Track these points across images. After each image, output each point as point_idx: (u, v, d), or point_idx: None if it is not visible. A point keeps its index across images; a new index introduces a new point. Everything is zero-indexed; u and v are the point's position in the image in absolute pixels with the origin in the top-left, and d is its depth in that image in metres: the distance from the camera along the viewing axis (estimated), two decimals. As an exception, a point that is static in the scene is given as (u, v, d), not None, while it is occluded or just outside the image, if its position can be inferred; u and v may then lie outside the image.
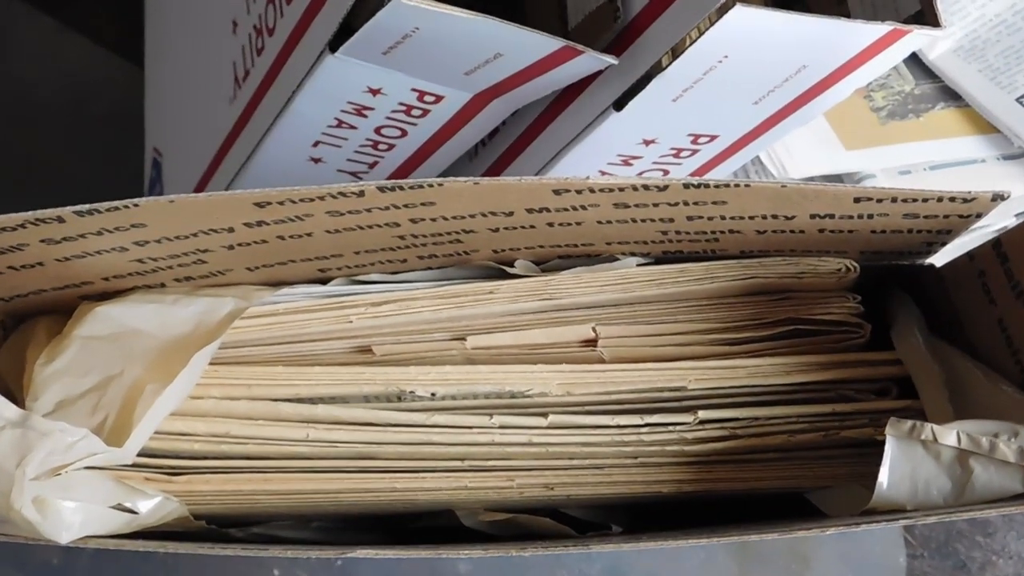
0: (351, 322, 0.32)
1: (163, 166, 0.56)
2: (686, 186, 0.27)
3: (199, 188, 0.48)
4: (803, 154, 0.43)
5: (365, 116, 0.37)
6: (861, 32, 0.30)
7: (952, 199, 0.29)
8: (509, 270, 0.33)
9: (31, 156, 0.65)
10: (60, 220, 0.26)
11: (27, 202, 0.63)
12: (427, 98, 0.36)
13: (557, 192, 0.27)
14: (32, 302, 0.32)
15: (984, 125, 0.45)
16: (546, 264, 0.33)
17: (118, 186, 0.62)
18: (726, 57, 0.30)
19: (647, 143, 0.36)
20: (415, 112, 0.37)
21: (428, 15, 0.30)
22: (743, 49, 0.30)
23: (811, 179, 0.43)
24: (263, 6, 0.39)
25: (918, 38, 0.30)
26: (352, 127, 0.38)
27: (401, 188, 0.27)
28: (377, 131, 0.38)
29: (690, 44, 0.30)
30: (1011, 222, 0.44)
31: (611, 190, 0.27)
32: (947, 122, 0.45)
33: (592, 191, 0.27)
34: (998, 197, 0.28)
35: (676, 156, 0.37)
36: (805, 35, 0.30)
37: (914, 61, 0.47)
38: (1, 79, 0.67)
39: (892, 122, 0.44)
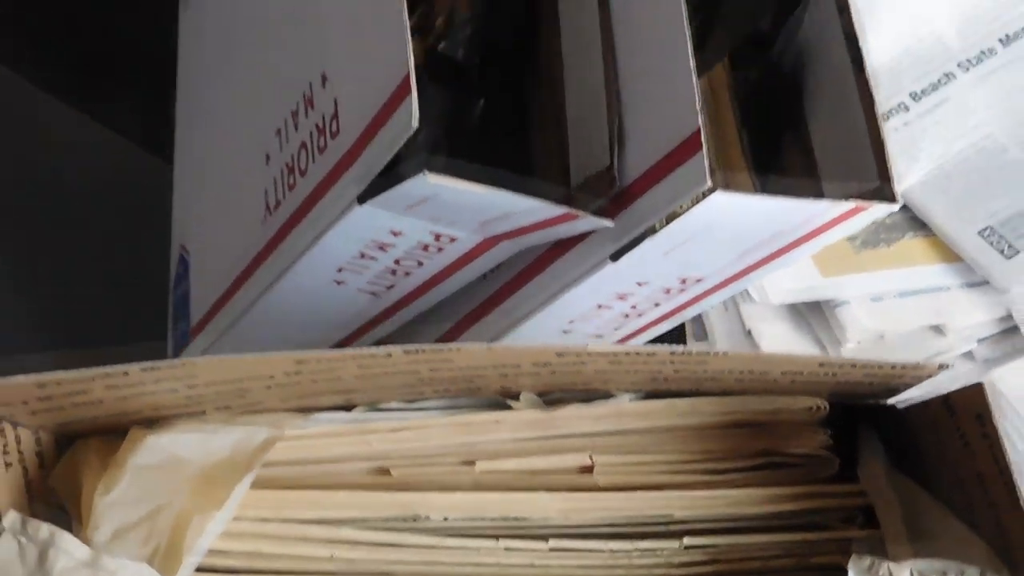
0: (371, 446, 0.36)
1: (191, 265, 0.60)
2: (672, 352, 0.31)
3: (226, 297, 0.51)
4: (783, 280, 0.47)
5: (386, 251, 0.41)
6: (826, 208, 0.34)
7: (904, 366, 0.33)
8: (514, 404, 0.37)
9: (61, 242, 0.69)
10: (125, 374, 0.30)
11: (56, 288, 0.67)
12: (442, 239, 0.40)
13: (560, 354, 0.31)
14: (86, 426, 0.36)
15: (950, 254, 0.49)
16: (548, 396, 0.37)
17: (143, 274, 0.66)
18: (710, 226, 0.35)
19: (640, 284, 0.40)
20: (431, 249, 0.41)
21: (446, 190, 0.34)
22: (725, 220, 0.34)
23: (789, 303, 0.47)
24: (296, 148, 0.43)
25: (876, 212, 0.34)
26: (374, 258, 0.42)
27: (424, 351, 0.30)
28: (396, 262, 0.42)
29: (679, 215, 0.34)
30: (974, 346, 0.48)
31: (606, 354, 0.31)
32: (916, 250, 0.49)
33: (589, 354, 0.31)
34: (943, 366, 0.32)
35: (666, 293, 0.41)
36: (777, 211, 0.34)
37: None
38: (33, 169, 0.72)
39: (865, 251, 0.49)
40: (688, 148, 0.33)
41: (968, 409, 0.31)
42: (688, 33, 0.34)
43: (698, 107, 0.33)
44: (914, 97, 0.52)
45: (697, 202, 0.33)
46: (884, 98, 0.51)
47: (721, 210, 0.33)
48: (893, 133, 0.51)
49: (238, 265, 0.50)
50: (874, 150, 0.35)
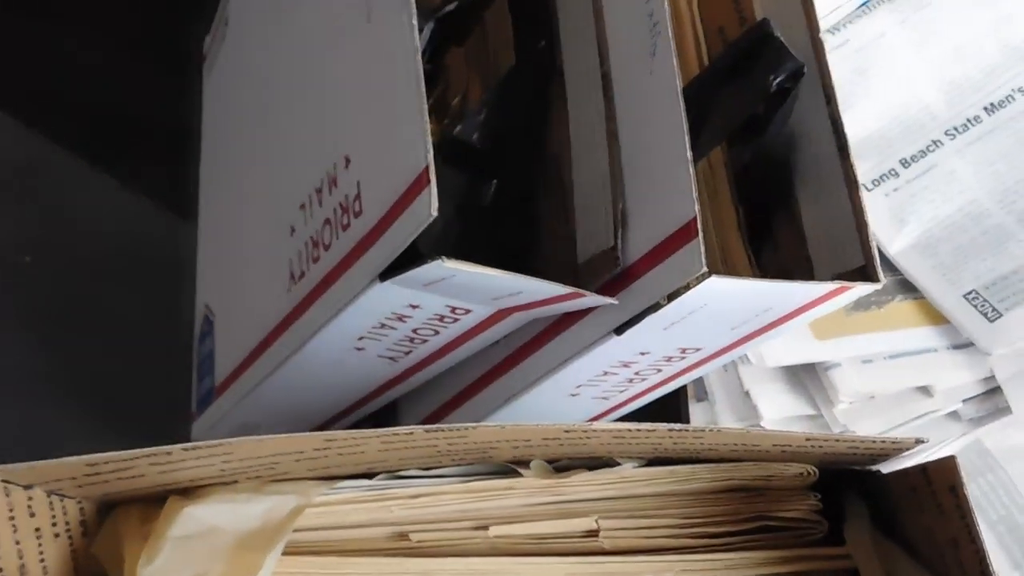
0: (391, 512, 0.39)
1: (215, 325, 0.62)
2: (670, 429, 0.34)
3: (251, 359, 0.54)
4: (778, 344, 0.49)
5: (404, 321, 0.44)
6: (812, 289, 0.37)
7: (883, 441, 0.35)
8: (525, 472, 0.39)
9: (88, 299, 0.72)
10: (168, 453, 0.33)
11: (83, 342, 0.69)
12: (457, 311, 0.43)
13: (567, 431, 0.34)
14: (127, 495, 0.39)
15: (937, 316, 0.51)
16: (557, 463, 0.40)
17: (169, 329, 0.68)
18: (707, 304, 0.37)
19: (643, 354, 0.42)
20: (447, 319, 0.43)
21: (462, 273, 0.36)
22: (720, 300, 0.37)
23: (783, 366, 0.50)
24: (320, 223, 0.46)
25: (860, 291, 0.37)
26: (393, 328, 0.44)
27: (443, 430, 0.33)
28: (414, 331, 0.45)
29: (677, 295, 0.36)
30: (959, 406, 0.50)
31: (609, 431, 0.34)
32: (904, 313, 0.52)
33: (595, 431, 0.34)
34: (920, 440, 0.35)
35: (667, 361, 0.43)
36: (767, 292, 0.37)
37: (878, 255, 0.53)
38: (60, 228, 0.74)
39: (857, 313, 0.51)
40: (685, 234, 0.36)
41: (942, 479, 0.34)
42: (685, 124, 0.36)
43: (694, 196, 0.35)
44: (904, 163, 0.55)
45: (694, 284, 0.35)
46: (875, 164, 0.55)
47: (715, 291, 0.36)
48: (883, 198, 0.54)
49: (263, 330, 0.53)
50: (858, 232, 0.38)
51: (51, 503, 0.36)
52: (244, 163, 0.62)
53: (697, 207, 0.35)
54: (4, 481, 0.33)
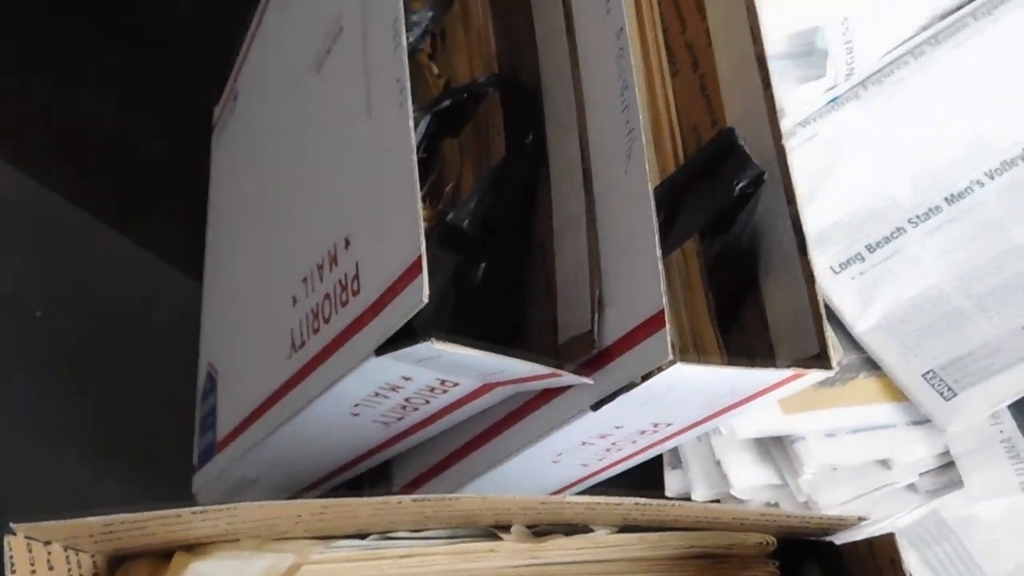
0: (383, 570, 0.42)
1: (218, 383, 0.66)
2: (636, 503, 0.37)
3: (252, 419, 0.57)
4: (748, 417, 0.53)
5: (397, 391, 0.47)
6: (771, 375, 0.40)
7: (829, 518, 0.38)
8: (506, 536, 0.42)
9: (98, 352, 0.76)
10: (179, 515, 0.36)
11: (92, 392, 0.73)
12: (447, 383, 0.46)
13: (543, 503, 0.37)
14: (137, 550, 0.42)
15: (897, 393, 0.55)
16: (536, 528, 0.43)
17: (174, 384, 0.72)
18: (674, 386, 0.41)
19: (618, 427, 0.46)
20: (437, 391, 0.47)
21: (451, 354, 0.40)
22: (687, 383, 0.40)
23: (752, 438, 0.53)
24: (321, 297, 0.49)
25: (815, 377, 0.41)
26: (387, 397, 0.48)
27: (429, 499, 0.36)
28: (406, 400, 0.48)
29: (648, 378, 0.40)
30: (916, 479, 0.53)
31: (583, 503, 0.37)
32: (868, 389, 0.55)
33: (569, 503, 0.37)
34: (862, 519, 0.38)
35: (641, 434, 0.47)
36: (730, 376, 0.40)
37: (844, 334, 0.57)
38: (73, 283, 0.78)
39: (823, 389, 0.54)
40: (655, 323, 0.39)
41: (884, 553, 0.37)
42: (655, 224, 0.40)
43: (663, 289, 0.39)
44: (870, 249, 0.58)
45: (662, 369, 0.39)
46: (844, 248, 0.58)
47: (682, 376, 0.39)
48: (850, 280, 0.58)
49: (263, 392, 0.56)
50: (815, 322, 0.42)
51: (67, 557, 0.39)
52: (249, 231, 0.66)
53: (665, 300, 0.39)
54: (27, 537, 0.36)
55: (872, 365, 0.56)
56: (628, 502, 0.37)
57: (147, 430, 0.73)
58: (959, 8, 0.60)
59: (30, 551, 0.37)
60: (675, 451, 0.54)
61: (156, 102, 0.83)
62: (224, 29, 0.73)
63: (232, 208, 0.71)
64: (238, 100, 0.72)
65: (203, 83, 0.78)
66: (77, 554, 0.40)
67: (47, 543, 0.37)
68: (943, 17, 0.60)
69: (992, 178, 0.58)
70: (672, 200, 0.43)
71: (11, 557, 0.36)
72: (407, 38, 0.45)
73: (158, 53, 0.83)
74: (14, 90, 0.82)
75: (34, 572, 0.37)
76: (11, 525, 0.35)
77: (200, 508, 0.36)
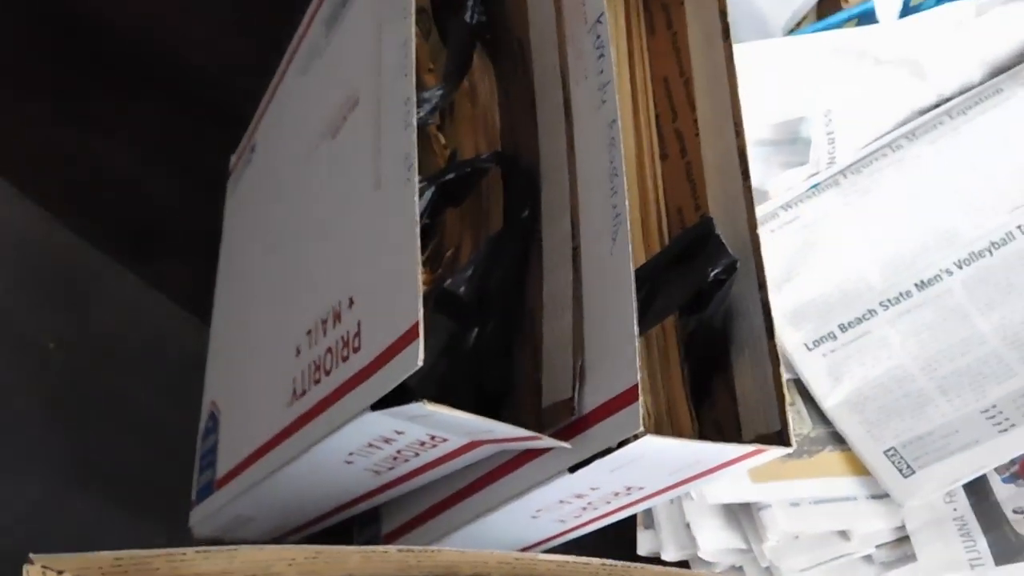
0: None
1: (220, 423, 0.69)
2: (603, 564, 0.40)
3: (250, 461, 0.61)
4: (718, 484, 0.56)
5: (390, 444, 0.50)
6: (735, 449, 0.44)
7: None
8: (482, 587, 0.46)
9: (108, 387, 0.79)
10: (184, 554, 0.39)
11: (103, 432, 0.76)
12: (436, 439, 0.49)
13: (517, 558, 0.40)
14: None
15: (860, 467, 0.58)
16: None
17: (181, 422, 0.75)
18: (645, 455, 0.44)
19: (593, 489, 0.49)
20: (427, 445, 0.50)
21: (440, 414, 0.43)
22: (656, 453, 0.44)
23: (721, 504, 0.56)
24: (323, 350, 0.53)
25: (775, 453, 0.44)
26: (379, 448, 0.51)
27: (413, 551, 0.40)
28: (398, 451, 0.51)
29: (621, 446, 0.43)
30: (873, 551, 0.57)
31: (554, 560, 0.40)
32: (832, 462, 0.58)
33: (540, 560, 0.40)
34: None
35: (615, 496, 0.50)
36: (695, 449, 0.44)
37: (814, 408, 0.60)
38: (86, 319, 0.81)
39: (790, 460, 0.58)
40: (629, 396, 0.43)
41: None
42: (634, 306, 0.43)
43: (637, 366, 0.42)
44: (841, 328, 0.62)
45: (634, 439, 0.42)
46: (817, 326, 0.62)
47: (652, 447, 0.43)
48: (822, 357, 0.61)
49: (263, 436, 0.59)
50: (778, 402, 0.45)
51: (77, 587, 0.42)
52: (258, 279, 0.69)
53: (639, 376, 0.42)
54: (43, 567, 0.40)
55: (838, 440, 0.59)
56: (595, 562, 0.40)
57: (151, 464, 0.76)
58: (936, 106, 0.64)
59: (44, 580, 0.40)
60: (648, 512, 0.58)
61: (172, 151, 0.87)
62: (240, 86, 0.77)
63: (243, 255, 0.74)
64: (255, 151, 0.76)
65: (217, 136, 0.82)
66: (85, 584, 0.43)
67: (60, 573, 0.41)
68: (921, 113, 0.65)
69: (960, 267, 0.62)
70: (652, 281, 0.47)
71: (27, 585, 0.39)
72: (418, 112, 0.49)
73: (177, 105, 0.87)
74: (43, 136, 0.86)
75: (46, 599, 0.40)
76: (30, 555, 0.38)
77: (204, 549, 0.39)
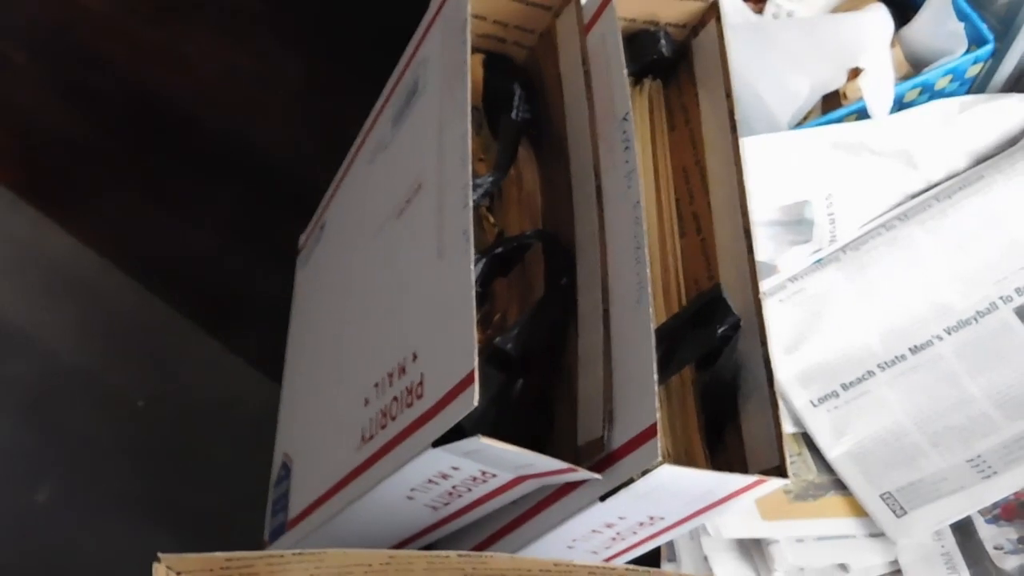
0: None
1: (292, 471, 0.78)
2: (627, 568, 0.48)
3: (321, 501, 0.69)
4: (731, 519, 0.64)
5: (446, 479, 0.58)
6: (740, 480, 0.51)
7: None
8: (526, 597, 0.53)
9: (191, 443, 0.88)
10: (282, 556, 0.48)
11: (184, 480, 0.85)
12: (487, 474, 0.57)
13: (556, 564, 0.48)
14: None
15: (859, 509, 0.65)
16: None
17: (254, 471, 0.83)
18: (664, 484, 0.52)
19: (621, 518, 0.57)
20: (478, 480, 0.58)
21: (491, 446, 0.52)
22: (673, 482, 0.52)
23: (735, 539, 0.64)
24: (389, 399, 0.61)
25: (774, 484, 0.52)
26: (437, 484, 0.59)
27: (470, 556, 0.48)
28: (453, 487, 0.59)
29: (644, 475, 0.51)
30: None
31: (586, 567, 0.48)
32: (834, 505, 0.66)
33: (576, 566, 0.48)
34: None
35: (640, 525, 0.58)
36: (706, 479, 0.52)
37: (819, 458, 0.68)
38: (171, 380, 0.91)
39: (797, 502, 0.65)
40: (650, 433, 0.51)
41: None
42: (655, 360, 0.52)
43: (656, 407, 0.51)
44: (844, 387, 0.70)
45: (654, 469, 0.50)
46: (822, 386, 0.70)
47: (669, 476, 0.51)
48: (826, 414, 0.69)
49: (333, 478, 0.67)
50: (777, 441, 0.53)
51: (189, 587, 0.50)
52: (326, 342, 0.78)
53: (658, 415, 0.50)
54: (167, 567, 0.48)
55: (840, 485, 0.67)
56: (619, 568, 0.48)
57: (225, 511, 0.84)
58: (926, 191, 0.73)
59: (166, 579, 0.49)
60: (671, 546, 0.65)
61: (247, 232, 0.97)
62: (304, 175, 0.87)
63: (312, 322, 0.83)
64: (325, 230, 0.85)
65: (291, 214, 0.92)
66: (195, 585, 0.51)
67: (179, 573, 0.49)
68: (912, 197, 0.73)
69: (950, 334, 0.70)
70: (670, 339, 0.55)
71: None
72: (472, 195, 0.58)
73: (252, 191, 0.97)
74: (135, 217, 0.96)
75: (166, 596, 0.49)
76: (158, 555, 0.47)
77: (298, 551, 0.47)
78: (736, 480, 0.52)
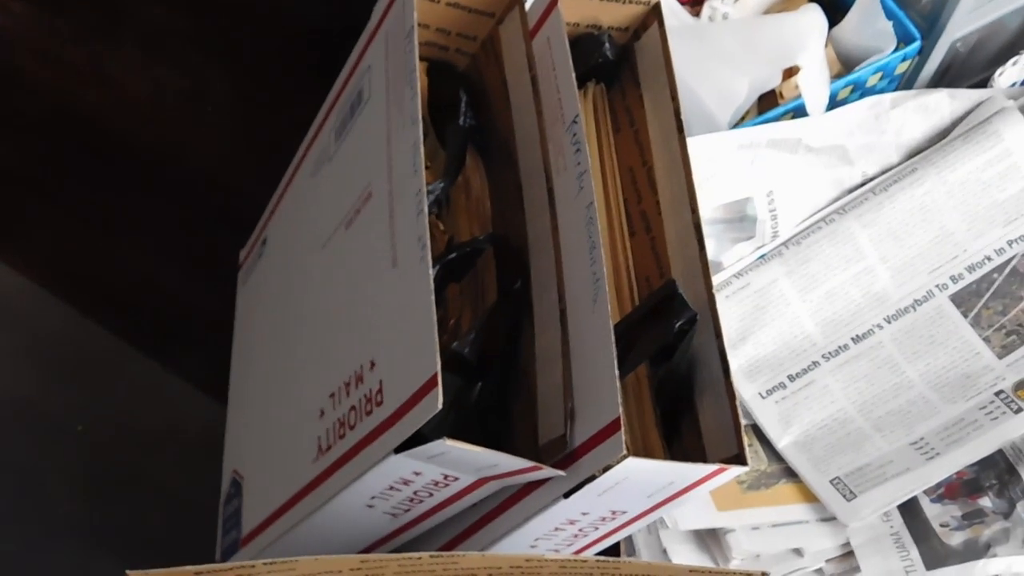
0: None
1: (243, 487, 0.77)
2: (597, 560, 0.49)
3: (276, 516, 0.68)
4: (687, 511, 0.65)
5: (408, 485, 0.59)
6: (700, 469, 0.52)
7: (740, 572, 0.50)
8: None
9: (131, 464, 0.86)
10: (252, 566, 0.47)
11: (129, 502, 0.83)
12: (449, 478, 0.57)
13: (527, 560, 0.49)
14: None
15: (810, 496, 0.67)
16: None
17: (200, 492, 0.82)
18: (627, 477, 0.53)
19: (584, 514, 0.57)
20: (440, 484, 0.58)
21: (457, 448, 0.52)
22: (636, 475, 0.52)
23: (692, 530, 0.65)
24: (347, 409, 0.61)
25: (734, 472, 0.53)
26: (398, 490, 0.59)
27: (442, 556, 0.48)
28: (414, 493, 0.59)
29: (607, 469, 0.52)
30: (823, 565, 0.65)
31: (557, 560, 0.49)
32: (786, 493, 0.68)
33: (546, 560, 0.49)
34: (765, 574, 0.50)
35: (602, 521, 0.58)
36: (668, 470, 0.52)
37: (769, 448, 0.70)
38: (110, 402, 0.89)
39: (750, 492, 0.67)
40: (612, 428, 0.51)
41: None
42: (614, 355, 0.52)
43: (619, 402, 0.51)
44: (790, 378, 0.71)
45: (618, 462, 0.51)
46: (769, 378, 0.71)
47: (633, 468, 0.51)
48: (774, 404, 0.71)
49: (288, 492, 0.67)
50: (735, 431, 0.54)
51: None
52: (273, 358, 0.77)
53: (621, 410, 0.51)
54: (135, 583, 0.47)
55: (791, 473, 0.68)
56: (591, 560, 0.49)
57: (172, 532, 0.83)
58: (862, 184, 0.75)
59: (133, 595, 0.48)
60: (629, 541, 0.66)
61: (185, 246, 0.96)
62: (244, 188, 0.86)
63: (258, 337, 0.83)
64: (267, 245, 0.85)
65: (224, 232, 0.91)
66: (162, 602, 0.51)
67: (146, 589, 0.48)
68: (849, 191, 0.75)
69: (889, 323, 0.72)
70: (627, 335, 0.56)
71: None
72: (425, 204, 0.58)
73: (187, 205, 0.96)
74: (67, 241, 0.95)
75: (133, 613, 0.48)
76: (127, 571, 0.46)
77: (268, 560, 0.47)
78: (697, 470, 0.53)
